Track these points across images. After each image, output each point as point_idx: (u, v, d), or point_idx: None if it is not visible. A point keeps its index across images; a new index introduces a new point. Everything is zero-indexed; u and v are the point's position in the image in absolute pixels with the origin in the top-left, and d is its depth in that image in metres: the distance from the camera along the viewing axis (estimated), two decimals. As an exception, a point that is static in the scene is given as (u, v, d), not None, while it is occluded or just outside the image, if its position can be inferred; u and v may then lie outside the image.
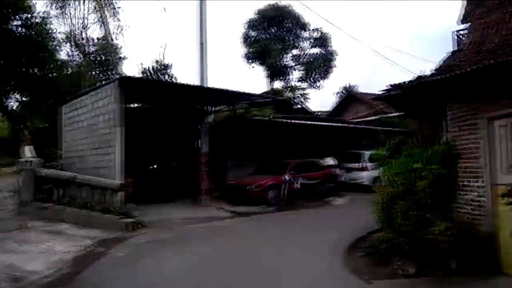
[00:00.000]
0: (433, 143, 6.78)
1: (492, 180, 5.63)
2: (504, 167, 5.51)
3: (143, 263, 7.02)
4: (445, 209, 5.95)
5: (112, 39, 22.47)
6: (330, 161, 17.92)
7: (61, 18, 22.89)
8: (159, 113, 16.85)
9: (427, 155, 6.24)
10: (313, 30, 31.22)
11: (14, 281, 5.72)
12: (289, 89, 31.37)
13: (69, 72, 22.71)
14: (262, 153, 17.23)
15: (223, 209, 13.07)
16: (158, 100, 16.07)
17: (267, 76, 31.90)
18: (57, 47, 22.47)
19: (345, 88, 38.92)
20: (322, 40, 31.02)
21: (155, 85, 13.40)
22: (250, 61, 31.73)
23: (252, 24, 30.84)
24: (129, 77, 11.43)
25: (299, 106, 29.63)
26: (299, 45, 31.81)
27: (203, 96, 14.59)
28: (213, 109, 16.80)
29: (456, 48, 7.79)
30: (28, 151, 12.54)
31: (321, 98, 71.99)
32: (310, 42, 31.58)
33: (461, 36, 8.11)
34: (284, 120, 18.03)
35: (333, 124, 20.91)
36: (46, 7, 22.38)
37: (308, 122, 19.14)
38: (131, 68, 71.13)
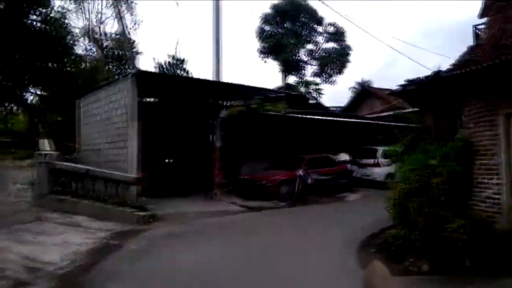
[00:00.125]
0: (449, 139, 6.68)
1: (509, 178, 5.53)
2: (521, 165, 5.41)
3: (156, 256, 7.10)
4: (459, 206, 5.87)
5: (127, 34, 22.66)
6: (343, 156, 17.81)
7: (77, 13, 23.18)
8: (173, 108, 16.94)
9: (442, 152, 6.16)
10: (328, 24, 31.02)
11: (31, 271, 5.82)
12: (303, 84, 31.26)
13: (85, 67, 23.01)
14: (275, 148, 17.21)
15: (235, 204, 13.10)
16: (172, 94, 16.16)
17: (281, 71, 31.83)
18: (74, 42, 22.79)
19: (359, 83, 38.62)
20: (337, 35, 30.80)
21: (170, 80, 13.48)
22: (264, 55, 31.69)
23: (267, 19, 30.75)
24: (145, 71, 11.51)
25: (313, 101, 29.49)
26: (313, 39, 31.64)
27: (218, 91, 14.61)
28: (227, 103, 16.82)
29: (475, 43, 7.65)
30: (44, 144, 12.76)
31: (335, 93, 71.28)
32: (325, 36, 31.40)
33: (480, 31, 7.95)
34: (298, 115, 17.94)
35: (347, 119, 20.73)
36: (63, 2, 22.69)
37: (322, 117, 19.02)
38: (146, 63, 71.65)
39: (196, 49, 56.16)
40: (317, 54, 31.88)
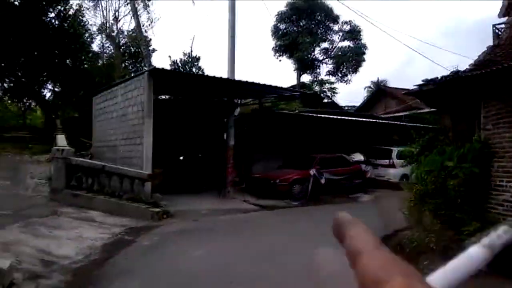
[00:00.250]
0: (466, 140, 6.57)
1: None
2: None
3: (169, 252, 7.15)
4: (476, 209, 5.76)
5: (143, 32, 22.85)
6: (357, 156, 17.66)
7: (94, 10, 23.47)
8: (187, 105, 17.03)
9: (459, 153, 6.05)
10: (343, 22, 30.76)
11: (46, 264, 5.91)
12: (317, 83, 31.12)
13: (101, 64, 23.29)
14: (289, 147, 17.17)
15: (248, 202, 13.11)
16: (186, 92, 16.24)
17: (296, 70, 31.70)
18: (90, 39, 23.10)
19: (374, 82, 38.33)
20: (352, 33, 30.53)
21: (184, 77, 13.54)
22: (279, 54, 31.61)
23: (282, 17, 30.65)
24: (160, 69, 11.57)
25: (327, 100, 29.35)
26: (329, 38, 31.43)
27: (232, 89, 14.62)
28: (240, 102, 16.83)
29: (495, 43, 7.49)
30: (60, 140, 12.92)
31: (350, 93, 70.83)
32: (340, 35, 31.15)
33: (500, 30, 7.79)
34: (312, 114, 17.86)
35: (362, 119, 20.55)
36: (81, 0, 22.99)
37: (336, 117, 18.90)
38: (160, 60, 72.07)
39: (210, 47, 56.38)
40: (332, 53, 31.67)
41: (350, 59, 30.55)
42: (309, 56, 30.58)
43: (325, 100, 30.21)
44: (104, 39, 24.34)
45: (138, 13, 22.17)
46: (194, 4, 48.86)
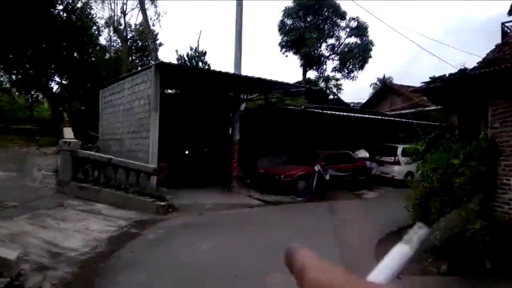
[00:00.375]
0: (473, 138, 6.54)
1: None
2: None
3: (174, 245, 7.20)
4: (482, 208, 5.76)
5: (151, 26, 22.84)
6: (362, 153, 17.63)
7: (101, 3, 23.49)
8: (193, 100, 17.06)
9: (466, 151, 6.03)
10: (350, 19, 30.62)
11: (53, 256, 5.98)
12: (323, 79, 31.04)
13: (109, 57, 23.34)
14: (294, 143, 17.17)
15: (252, 197, 13.14)
16: (193, 86, 16.26)
17: (302, 66, 31.63)
18: (97, 32, 23.14)
19: (380, 79, 38.18)
20: (359, 30, 30.40)
21: (191, 72, 13.54)
22: (285, 49, 31.54)
23: (289, 12, 30.56)
24: (166, 63, 11.59)
25: (333, 97, 29.30)
26: (335, 34, 31.30)
27: (238, 84, 14.62)
28: (246, 97, 16.84)
29: (503, 41, 7.44)
30: (67, 133, 13.00)
31: (355, 89, 70.63)
32: (347, 31, 31.01)
33: (508, 28, 7.73)
34: (318, 111, 17.83)
35: (367, 116, 20.49)
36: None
37: (342, 113, 18.87)
38: (167, 54, 72.15)
39: (217, 42, 56.27)
40: (338, 49, 31.55)
41: (357, 56, 30.44)
42: (315, 52, 30.49)
43: (331, 97, 30.17)
44: (112, 32, 24.39)
45: (146, 6, 22.16)
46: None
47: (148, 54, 23.36)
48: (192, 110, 16.46)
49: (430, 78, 6.89)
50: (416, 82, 7.66)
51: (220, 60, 58.55)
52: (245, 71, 14.61)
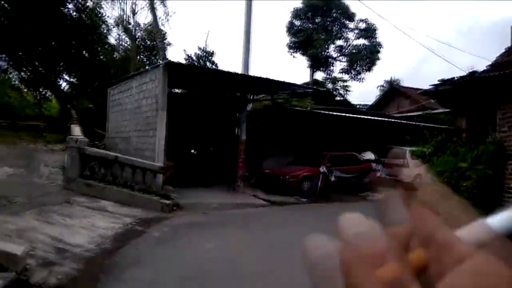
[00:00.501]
0: (480, 142, 6.50)
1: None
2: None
3: (179, 244, 7.23)
4: (489, 212, 5.70)
5: (160, 25, 22.93)
6: (368, 155, 17.55)
7: (111, 3, 23.62)
8: (200, 99, 17.11)
9: (473, 155, 5.99)
10: (359, 20, 30.54)
11: (59, 252, 6.02)
12: (330, 80, 30.98)
13: (117, 56, 23.46)
14: (300, 143, 17.15)
15: (257, 197, 13.14)
16: (200, 86, 16.30)
17: (309, 67, 31.59)
18: (107, 31, 23.26)
19: (388, 81, 38.03)
20: (368, 31, 30.32)
21: (199, 72, 13.60)
22: (293, 50, 31.54)
23: (297, 13, 30.55)
24: (175, 62, 11.65)
25: (340, 98, 29.22)
26: (343, 35, 31.23)
27: (245, 84, 14.64)
28: (253, 97, 16.85)
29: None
30: (75, 130, 13.10)
31: (362, 91, 70.39)
32: (356, 33, 30.94)
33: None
34: (324, 112, 17.80)
35: (374, 117, 20.41)
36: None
37: (349, 115, 18.81)
38: (175, 54, 72.38)
39: (225, 42, 56.41)
40: (346, 51, 31.47)
41: (365, 58, 30.35)
42: (323, 53, 30.45)
43: (338, 98, 30.07)
44: (121, 31, 24.52)
45: (155, 6, 22.24)
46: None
47: (156, 54, 23.46)
48: (199, 110, 16.50)
49: (439, 81, 6.85)
50: (424, 85, 7.65)
51: (228, 61, 58.72)
52: (253, 71, 14.67)
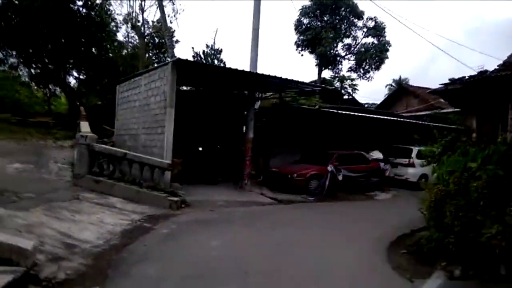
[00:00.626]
0: (490, 142, 6.44)
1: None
2: None
3: (186, 241, 7.26)
4: (499, 212, 5.65)
5: (168, 23, 22.97)
6: (376, 154, 17.48)
7: (120, 0, 23.74)
8: (208, 97, 17.14)
9: (483, 155, 5.93)
10: (368, 19, 30.36)
11: (67, 247, 6.07)
12: (338, 79, 30.87)
13: (125, 53, 23.57)
14: (307, 142, 17.14)
15: (264, 195, 13.15)
16: (208, 84, 16.32)
17: (317, 65, 31.48)
18: (115, 28, 23.38)
19: (396, 80, 37.83)
20: (376, 30, 30.14)
21: (207, 69, 13.61)
22: (300, 48, 31.44)
23: (305, 11, 30.44)
24: (183, 60, 11.63)
25: (347, 97, 29.11)
26: (352, 34, 31.08)
27: (253, 82, 14.62)
28: (261, 95, 16.83)
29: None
30: (84, 127, 13.18)
31: (370, 90, 70.04)
32: (364, 31, 30.77)
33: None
34: (332, 110, 17.75)
35: (382, 117, 20.31)
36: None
37: (356, 114, 18.75)
38: (183, 51, 72.56)
39: (233, 40, 56.40)
40: (355, 49, 31.32)
41: (373, 56, 30.17)
42: (331, 51, 30.33)
43: (345, 97, 29.96)
44: (129, 28, 24.62)
45: (163, 3, 22.29)
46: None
47: (165, 51, 23.54)
48: (207, 107, 16.54)
49: (449, 80, 6.80)
50: (433, 84, 7.60)
51: (235, 59, 58.74)
52: (260, 69, 14.64)
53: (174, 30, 24.57)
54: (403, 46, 68.28)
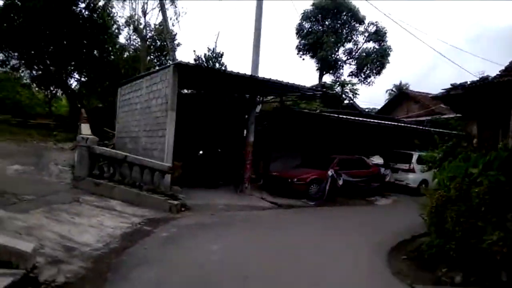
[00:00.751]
0: (491, 148, 6.43)
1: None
2: None
3: (186, 244, 7.24)
4: (500, 218, 5.64)
5: (170, 26, 22.98)
6: (377, 159, 17.47)
7: (122, 2, 23.79)
8: (209, 100, 17.13)
9: (485, 160, 5.92)
10: (369, 24, 30.40)
11: (67, 250, 6.04)
12: (339, 83, 30.87)
13: (127, 56, 23.59)
14: (308, 146, 17.12)
15: (264, 200, 13.13)
16: (209, 87, 16.32)
17: (318, 69, 31.50)
18: (117, 31, 23.42)
19: (396, 86, 37.87)
20: (378, 35, 30.16)
21: (209, 73, 13.58)
22: (302, 53, 31.46)
23: (307, 16, 30.47)
24: (185, 63, 11.64)
25: (348, 102, 29.10)
26: (353, 38, 31.10)
27: (254, 85, 14.62)
28: (261, 99, 16.82)
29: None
30: (84, 129, 13.19)
31: (371, 95, 70.13)
32: (365, 36, 30.79)
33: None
34: (333, 115, 17.75)
35: (383, 122, 20.31)
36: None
37: (357, 118, 18.74)
38: (184, 54, 72.69)
39: (234, 45, 56.56)
40: (356, 54, 31.35)
41: (374, 61, 30.18)
42: (332, 56, 30.34)
43: (346, 102, 29.96)
44: (131, 31, 24.65)
45: (166, 7, 22.32)
46: (220, -1, 48.67)
47: (166, 54, 23.55)
48: (208, 111, 16.53)
49: (451, 85, 6.80)
50: (433, 90, 7.59)
51: (236, 63, 58.83)
52: (262, 73, 14.64)
53: (176, 33, 24.56)
54: (404, 51, 68.45)
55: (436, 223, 6.29)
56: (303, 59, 31.78)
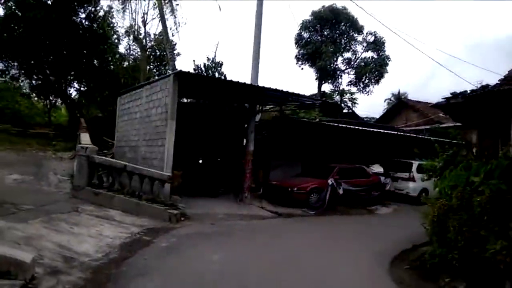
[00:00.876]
0: (492, 156, 6.42)
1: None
2: None
3: (186, 254, 7.18)
4: (503, 227, 5.61)
5: (170, 36, 23.10)
6: (377, 168, 17.44)
7: (122, 13, 23.93)
8: (209, 109, 17.15)
9: (486, 169, 5.90)
10: (367, 33, 30.65)
11: (66, 260, 5.99)
12: (338, 92, 31.00)
13: (126, 65, 23.67)
14: (308, 155, 17.10)
15: (264, 209, 13.06)
16: (209, 96, 16.35)
17: (317, 79, 31.66)
18: (117, 41, 23.53)
19: (395, 95, 38.02)
20: (376, 44, 30.39)
21: (208, 82, 13.64)
22: (301, 62, 31.65)
23: (305, 26, 30.72)
24: (185, 72, 11.67)
25: (347, 111, 29.20)
26: (352, 48, 31.32)
27: (254, 94, 14.65)
28: (261, 108, 16.84)
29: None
30: (84, 138, 13.17)
31: (369, 104, 70.40)
32: (364, 45, 31.02)
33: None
34: (333, 124, 17.77)
35: (383, 130, 20.32)
36: (111, 1, 23.46)
37: (357, 127, 18.76)
38: (183, 64, 72.97)
39: (233, 53, 56.77)
40: (354, 63, 31.53)
41: (373, 70, 30.37)
42: (331, 65, 30.53)
43: (345, 111, 30.06)
44: (131, 41, 24.78)
45: (165, 17, 22.45)
46: (220, 9, 49.12)
47: (166, 64, 23.66)
48: (208, 120, 16.54)
49: (451, 93, 6.81)
50: (432, 99, 7.61)
51: (236, 73, 59.05)
52: (261, 82, 14.66)
53: (176, 43, 24.78)
54: (402, 61, 68.77)
55: (438, 232, 6.26)
56: (302, 68, 32.01)
